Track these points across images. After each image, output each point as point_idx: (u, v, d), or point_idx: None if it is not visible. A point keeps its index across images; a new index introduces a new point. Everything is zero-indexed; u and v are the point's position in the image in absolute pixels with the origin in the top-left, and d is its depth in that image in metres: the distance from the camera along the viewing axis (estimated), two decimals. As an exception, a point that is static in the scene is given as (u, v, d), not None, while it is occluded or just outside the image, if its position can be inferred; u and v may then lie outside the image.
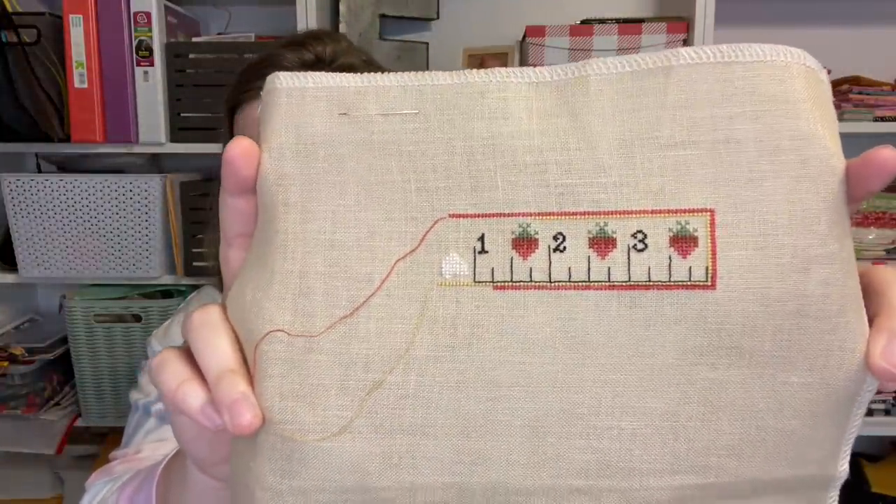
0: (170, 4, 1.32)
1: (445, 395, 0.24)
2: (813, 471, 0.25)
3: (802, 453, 0.25)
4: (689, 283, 0.23)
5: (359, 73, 0.26)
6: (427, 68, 1.43)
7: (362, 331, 0.25)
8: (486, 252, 0.25)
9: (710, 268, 0.23)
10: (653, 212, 0.24)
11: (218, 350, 0.26)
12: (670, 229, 0.24)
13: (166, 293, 1.42)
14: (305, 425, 0.25)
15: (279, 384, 0.25)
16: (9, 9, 1.24)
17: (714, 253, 0.23)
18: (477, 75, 0.25)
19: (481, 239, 0.25)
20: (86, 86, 1.25)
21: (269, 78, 0.26)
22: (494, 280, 0.25)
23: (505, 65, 1.39)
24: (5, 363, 1.38)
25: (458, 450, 0.25)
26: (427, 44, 1.46)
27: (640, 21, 1.32)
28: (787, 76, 0.24)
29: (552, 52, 1.32)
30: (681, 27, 1.31)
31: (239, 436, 0.24)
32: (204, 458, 0.31)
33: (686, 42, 1.31)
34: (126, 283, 1.38)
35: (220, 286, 0.83)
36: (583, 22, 1.34)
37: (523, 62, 1.38)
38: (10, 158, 1.46)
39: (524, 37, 1.35)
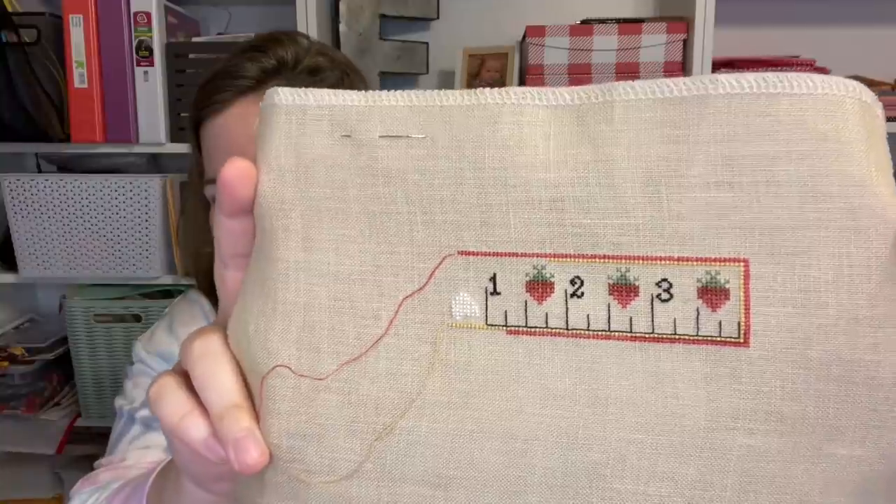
0: (170, 4, 1.32)
1: (459, 445, 0.23)
2: None
3: None
4: (718, 339, 0.22)
5: (363, 91, 0.24)
6: (427, 69, 1.44)
7: (372, 371, 0.24)
8: (499, 294, 0.23)
9: (742, 323, 0.21)
10: (679, 259, 0.22)
11: (221, 383, 0.25)
12: (699, 279, 0.22)
13: (166, 293, 1.42)
14: (312, 466, 0.24)
15: (286, 422, 0.24)
16: (9, 9, 1.24)
17: (748, 308, 0.21)
18: (490, 96, 0.23)
19: (493, 279, 0.23)
20: (86, 86, 1.25)
21: (269, 92, 0.25)
22: (508, 324, 0.23)
23: (505, 65, 1.39)
24: (5, 363, 1.38)
25: None
26: (427, 44, 1.45)
27: (640, 21, 1.32)
28: (840, 112, 0.21)
29: (552, 52, 1.32)
30: (681, 27, 1.31)
31: (244, 473, 0.24)
32: (200, 475, 0.31)
33: (686, 42, 1.31)
34: (126, 283, 1.38)
35: (202, 288, 0.80)
36: (583, 22, 1.34)
37: (523, 62, 1.38)
38: (10, 158, 1.47)
39: (524, 37, 1.35)
